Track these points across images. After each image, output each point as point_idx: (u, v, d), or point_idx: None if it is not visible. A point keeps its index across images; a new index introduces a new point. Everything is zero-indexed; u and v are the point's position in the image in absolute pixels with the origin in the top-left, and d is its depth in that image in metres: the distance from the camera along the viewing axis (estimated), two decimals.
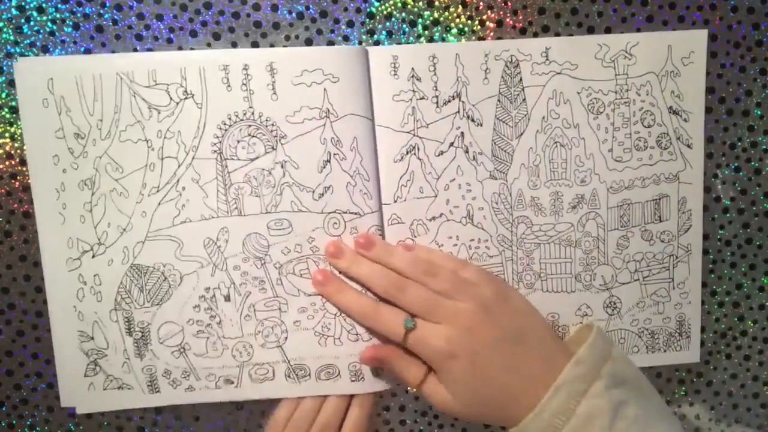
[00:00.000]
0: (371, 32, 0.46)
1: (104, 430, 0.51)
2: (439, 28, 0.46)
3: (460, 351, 0.41)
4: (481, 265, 0.48)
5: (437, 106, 0.46)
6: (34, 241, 0.47)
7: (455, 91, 0.46)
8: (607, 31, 0.47)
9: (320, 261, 0.46)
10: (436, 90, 0.46)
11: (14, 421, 0.51)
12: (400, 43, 0.46)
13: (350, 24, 0.46)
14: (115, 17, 0.45)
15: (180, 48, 0.45)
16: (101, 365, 0.47)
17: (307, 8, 0.46)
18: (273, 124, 0.45)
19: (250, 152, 0.45)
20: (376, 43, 0.46)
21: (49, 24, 0.44)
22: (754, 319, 0.53)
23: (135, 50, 0.46)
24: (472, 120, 0.46)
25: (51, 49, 0.45)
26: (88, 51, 0.45)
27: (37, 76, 0.43)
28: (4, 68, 0.45)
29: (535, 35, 0.46)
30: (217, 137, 0.44)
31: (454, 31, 0.46)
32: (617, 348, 0.42)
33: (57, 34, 0.45)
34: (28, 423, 0.51)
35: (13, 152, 0.46)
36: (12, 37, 0.45)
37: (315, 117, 0.44)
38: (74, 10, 0.45)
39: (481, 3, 0.46)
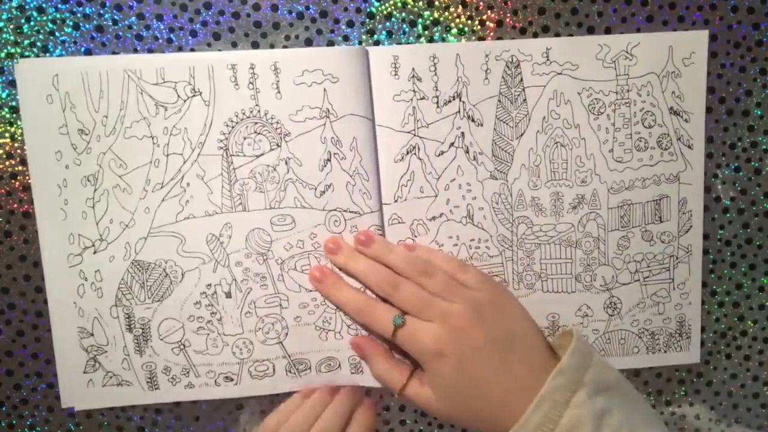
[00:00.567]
0: (371, 32, 0.46)
1: (104, 430, 0.50)
2: (439, 28, 0.46)
3: (448, 350, 0.41)
4: (482, 265, 0.49)
5: (438, 106, 0.46)
6: (34, 241, 0.47)
7: (456, 91, 0.46)
8: (607, 31, 0.47)
9: (321, 257, 0.47)
10: (437, 90, 0.46)
11: (14, 421, 0.50)
12: (400, 43, 0.46)
13: (350, 24, 0.46)
14: (115, 17, 0.45)
15: (180, 48, 0.45)
16: (101, 362, 0.47)
17: (307, 8, 0.46)
18: (278, 122, 0.45)
19: (255, 149, 0.45)
20: (376, 43, 0.46)
21: (49, 24, 0.45)
22: (754, 319, 0.53)
23: (135, 50, 0.46)
24: (473, 120, 0.46)
25: (51, 50, 0.45)
26: (88, 51, 0.45)
27: (41, 73, 0.44)
28: (5, 68, 0.45)
29: (535, 35, 0.46)
30: (224, 134, 0.45)
31: (454, 31, 0.46)
32: (597, 354, 0.42)
33: (57, 34, 0.45)
34: (28, 423, 0.50)
35: (13, 152, 0.46)
36: (12, 38, 0.45)
37: (315, 116, 0.45)
38: (74, 10, 0.45)
39: (481, 3, 0.46)
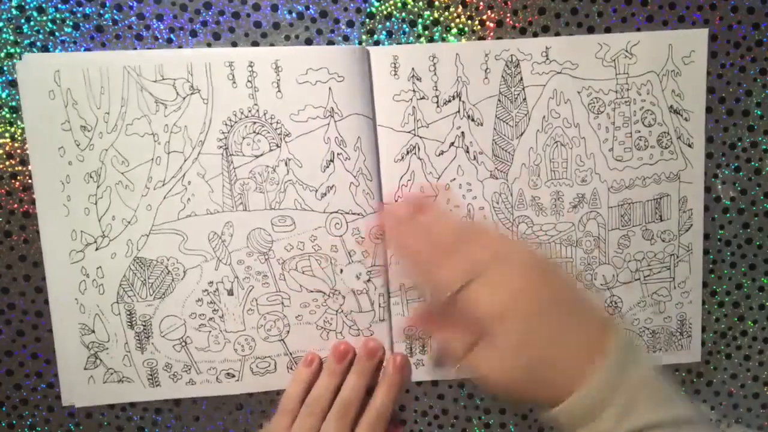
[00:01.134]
0: (371, 32, 0.47)
1: (104, 430, 0.50)
2: (439, 28, 0.47)
3: (512, 313, 0.40)
4: None
5: (437, 106, 0.47)
6: (35, 241, 0.47)
7: (455, 90, 0.47)
8: (607, 31, 0.47)
9: (322, 260, 0.47)
10: (437, 90, 0.46)
11: (14, 421, 0.51)
12: (400, 43, 0.46)
13: (350, 24, 0.46)
14: (115, 17, 0.46)
15: (180, 48, 0.45)
16: (102, 358, 0.47)
17: (307, 8, 0.46)
18: (278, 122, 0.45)
19: (255, 149, 0.46)
20: (376, 43, 0.47)
21: (49, 24, 0.45)
22: (754, 319, 0.53)
23: (135, 50, 0.46)
24: (473, 120, 0.47)
25: (51, 49, 0.46)
26: (88, 51, 0.45)
27: (43, 69, 0.44)
28: (5, 68, 0.45)
29: (535, 35, 0.47)
30: (223, 133, 0.45)
31: (454, 31, 0.47)
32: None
33: (57, 34, 0.46)
34: (28, 423, 0.51)
35: (13, 152, 0.47)
36: (12, 37, 0.45)
37: (319, 116, 0.45)
38: (74, 10, 0.46)
39: (481, 3, 0.47)
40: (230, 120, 0.45)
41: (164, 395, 0.48)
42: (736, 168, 0.51)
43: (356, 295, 0.47)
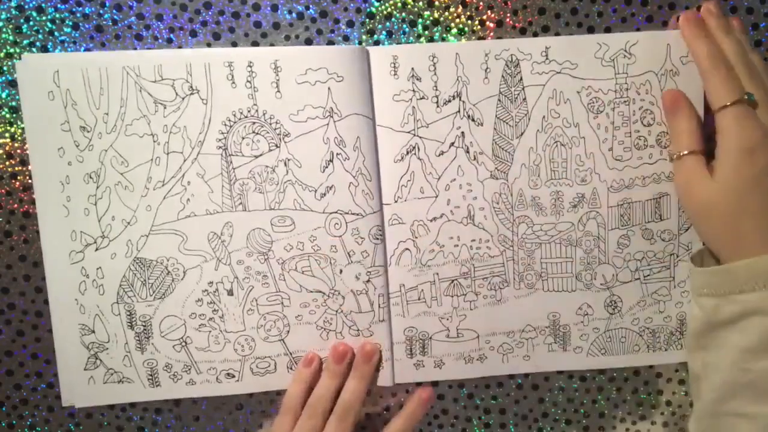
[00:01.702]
0: (371, 32, 0.47)
1: (104, 430, 0.50)
2: (439, 28, 0.47)
3: (762, 150, 0.40)
4: (483, 265, 0.49)
5: (437, 106, 0.47)
6: (35, 241, 0.47)
7: (455, 90, 0.47)
8: (607, 31, 0.47)
9: (321, 260, 0.47)
10: (437, 90, 0.47)
11: (14, 421, 0.51)
12: (400, 43, 0.46)
13: (350, 24, 0.47)
14: (115, 17, 0.46)
15: (180, 48, 0.46)
16: (102, 359, 0.48)
17: (307, 8, 0.46)
18: (277, 122, 0.46)
19: (254, 149, 0.46)
20: (376, 43, 0.47)
21: (48, 24, 0.46)
22: None
23: (134, 51, 0.47)
24: (473, 120, 0.47)
25: (51, 50, 0.46)
26: (88, 51, 0.46)
27: (42, 69, 0.44)
28: (5, 68, 0.45)
29: (535, 35, 0.47)
30: (222, 133, 0.46)
31: (454, 31, 0.47)
32: None
33: (56, 34, 0.46)
34: (28, 423, 0.51)
35: (13, 152, 0.47)
36: (12, 37, 0.46)
37: (318, 116, 0.46)
38: (74, 10, 0.46)
39: (481, 3, 0.47)
40: (229, 120, 0.45)
41: (164, 395, 0.48)
42: None
43: (356, 295, 0.48)
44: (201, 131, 0.45)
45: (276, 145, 0.46)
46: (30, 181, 0.47)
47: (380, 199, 0.47)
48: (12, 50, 0.46)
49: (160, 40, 0.46)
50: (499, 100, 0.47)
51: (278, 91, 0.45)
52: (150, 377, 0.48)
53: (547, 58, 0.46)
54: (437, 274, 0.49)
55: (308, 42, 0.47)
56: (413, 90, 0.46)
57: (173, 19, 0.46)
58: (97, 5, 0.45)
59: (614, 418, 0.53)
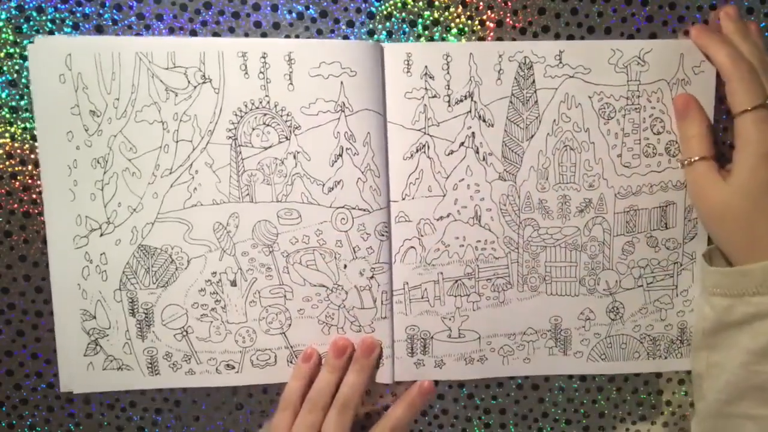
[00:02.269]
0: (371, 32, 0.47)
1: (104, 430, 0.50)
2: (439, 28, 0.47)
3: None
4: (487, 266, 0.49)
5: (449, 105, 0.47)
6: (35, 241, 0.47)
7: (468, 90, 0.47)
8: (607, 31, 0.47)
9: (326, 254, 0.47)
10: (449, 89, 0.47)
11: (14, 421, 0.51)
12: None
13: (350, 24, 0.47)
14: (115, 17, 0.46)
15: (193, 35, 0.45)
16: (102, 345, 0.47)
17: (307, 8, 0.46)
18: (288, 114, 0.45)
19: (264, 140, 0.46)
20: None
21: (48, 24, 0.45)
22: None
23: (148, 36, 0.46)
24: (484, 120, 0.47)
25: None
26: None
27: (54, 52, 0.44)
28: (5, 68, 0.45)
29: (535, 35, 0.47)
30: (233, 123, 0.45)
31: (454, 31, 0.47)
32: None
33: (56, 33, 0.46)
34: (28, 423, 0.51)
35: (13, 152, 0.47)
36: (12, 37, 0.45)
37: (330, 110, 0.45)
38: (74, 10, 0.46)
39: (481, 3, 0.47)
40: (240, 111, 0.45)
41: (163, 384, 0.48)
42: None
43: (359, 291, 0.48)
44: (211, 120, 0.45)
45: (286, 138, 0.45)
46: (30, 181, 0.46)
47: (388, 195, 0.47)
48: (12, 50, 0.45)
49: None
50: (511, 101, 0.47)
51: (291, 84, 0.45)
52: (150, 365, 0.47)
53: (560, 62, 0.46)
54: (441, 273, 0.48)
55: None
56: (425, 88, 0.46)
57: (173, 19, 0.46)
58: (97, 5, 0.45)
59: (614, 418, 0.54)
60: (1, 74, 0.46)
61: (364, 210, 0.46)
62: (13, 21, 0.45)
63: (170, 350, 0.47)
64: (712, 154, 0.44)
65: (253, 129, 0.45)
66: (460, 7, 0.47)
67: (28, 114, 0.46)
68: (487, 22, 0.47)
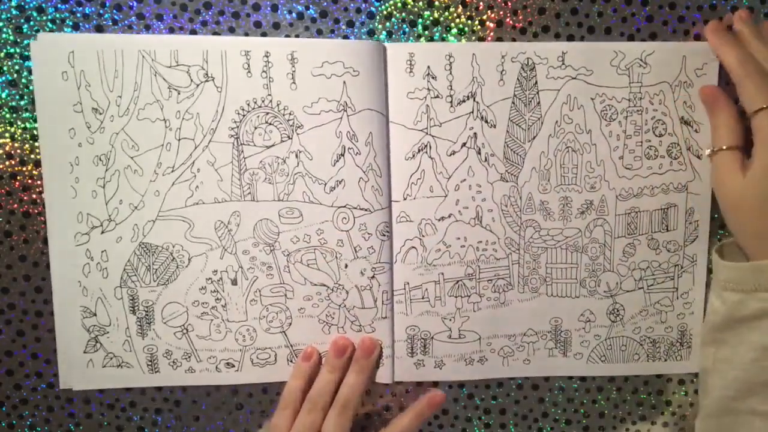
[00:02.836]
0: (371, 32, 0.46)
1: (104, 430, 0.49)
2: (439, 28, 0.46)
3: None
4: (488, 267, 0.49)
5: (451, 106, 0.47)
6: (35, 241, 0.47)
7: (470, 91, 0.47)
8: (607, 31, 0.47)
9: (327, 254, 0.47)
10: (451, 89, 0.46)
11: (14, 421, 0.50)
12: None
13: (350, 24, 0.46)
14: (115, 17, 0.45)
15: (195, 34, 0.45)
16: (102, 342, 0.47)
17: (307, 8, 0.46)
18: (290, 114, 0.45)
19: (266, 139, 0.46)
20: None
21: (48, 24, 0.45)
22: None
23: (151, 34, 0.46)
24: (486, 121, 0.47)
25: None
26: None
27: (57, 49, 0.44)
28: (4, 68, 0.44)
29: (535, 35, 0.47)
30: (235, 122, 0.45)
31: (454, 31, 0.47)
32: None
33: (57, 33, 0.45)
34: (28, 423, 0.51)
35: (13, 152, 0.46)
36: (12, 37, 0.45)
37: (332, 109, 0.45)
38: (74, 10, 0.45)
39: (481, 3, 0.46)
40: (243, 109, 0.45)
41: (163, 382, 0.48)
42: None
43: (360, 291, 0.47)
44: (214, 119, 0.45)
45: (288, 137, 0.45)
46: (30, 181, 0.46)
47: (389, 195, 0.47)
48: (12, 50, 0.45)
49: None
50: (513, 102, 0.46)
51: (293, 83, 0.44)
52: (149, 363, 0.47)
53: (563, 63, 0.46)
54: (442, 273, 0.48)
55: None
56: (428, 88, 0.46)
57: (173, 19, 0.45)
58: (98, 5, 0.45)
59: (614, 418, 0.53)
60: (1, 74, 0.45)
61: (366, 210, 0.46)
62: (13, 21, 0.45)
63: (170, 348, 0.47)
64: (740, 145, 0.44)
65: (256, 128, 0.45)
66: (460, 7, 0.47)
67: (28, 114, 0.45)
68: (487, 22, 0.47)
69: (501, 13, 0.47)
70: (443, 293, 0.48)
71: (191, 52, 0.44)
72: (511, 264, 0.48)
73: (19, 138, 0.46)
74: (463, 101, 0.46)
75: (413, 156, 0.46)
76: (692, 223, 0.48)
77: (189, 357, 0.47)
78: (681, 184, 0.48)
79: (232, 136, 0.45)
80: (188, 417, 0.50)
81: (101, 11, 0.45)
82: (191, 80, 0.44)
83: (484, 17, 0.47)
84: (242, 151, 0.45)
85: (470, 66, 0.46)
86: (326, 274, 0.47)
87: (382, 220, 0.46)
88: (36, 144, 0.45)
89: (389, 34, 0.47)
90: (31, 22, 0.45)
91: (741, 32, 0.44)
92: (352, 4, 0.46)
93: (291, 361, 0.48)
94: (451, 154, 0.47)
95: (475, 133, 0.47)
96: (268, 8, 0.46)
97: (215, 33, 0.46)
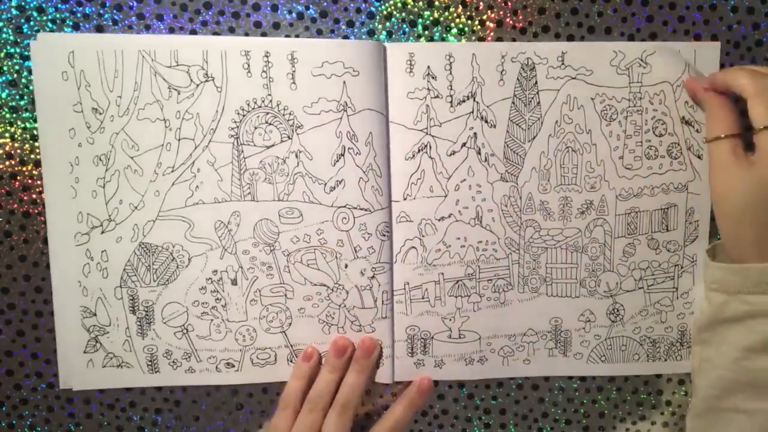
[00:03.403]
0: (371, 32, 0.46)
1: (104, 430, 0.49)
2: (439, 28, 0.46)
3: None
4: (488, 267, 0.48)
5: (451, 106, 0.46)
6: (35, 241, 0.46)
7: (470, 91, 0.46)
8: (608, 30, 0.47)
9: (327, 254, 0.46)
10: (451, 89, 0.46)
11: (14, 421, 0.50)
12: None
13: (350, 24, 0.46)
14: (115, 17, 0.45)
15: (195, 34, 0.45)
16: (102, 342, 0.47)
17: (307, 8, 0.45)
18: (290, 114, 0.45)
19: (266, 139, 0.45)
20: None
21: (49, 24, 0.45)
22: None
23: (150, 34, 0.46)
24: (486, 121, 0.46)
25: None
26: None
27: (57, 49, 0.43)
28: (5, 68, 0.44)
29: (535, 35, 0.46)
30: (235, 122, 0.45)
31: (454, 31, 0.46)
32: None
33: (57, 33, 0.45)
34: (28, 423, 0.50)
35: (13, 152, 0.46)
36: (12, 37, 0.44)
37: (332, 109, 0.45)
38: (74, 10, 0.45)
39: (481, 3, 0.46)
40: (243, 109, 0.44)
41: (163, 382, 0.47)
42: None
43: (360, 291, 0.47)
44: (214, 119, 0.44)
45: (288, 137, 0.44)
46: (30, 181, 0.46)
47: (389, 195, 0.46)
48: (12, 50, 0.44)
49: None
50: (513, 102, 0.46)
51: (293, 83, 0.44)
52: (149, 363, 0.47)
53: (562, 63, 0.45)
54: (442, 273, 0.47)
55: None
56: (428, 88, 0.45)
57: (173, 19, 0.45)
58: (98, 5, 0.45)
59: (614, 418, 0.53)
60: (1, 74, 0.45)
61: (366, 210, 0.45)
62: (13, 21, 0.44)
63: (170, 348, 0.46)
64: (737, 132, 0.42)
65: (255, 128, 0.44)
66: (460, 7, 0.46)
67: (28, 114, 0.45)
68: (487, 22, 0.46)
69: (501, 13, 0.46)
70: (443, 293, 0.48)
71: (191, 52, 0.43)
72: (511, 264, 0.48)
73: (19, 138, 0.45)
74: (463, 101, 0.46)
75: (413, 156, 0.46)
76: (692, 223, 0.48)
77: (189, 357, 0.46)
78: (681, 184, 0.47)
79: (232, 136, 0.44)
80: (188, 417, 0.50)
81: (101, 11, 0.45)
82: (191, 80, 0.43)
83: (484, 17, 0.46)
84: (242, 151, 0.44)
85: (470, 66, 0.45)
86: (326, 274, 0.46)
87: (382, 220, 0.46)
88: (36, 144, 0.44)
89: (389, 34, 0.46)
90: (31, 22, 0.44)
91: (755, 68, 0.43)
92: (352, 4, 0.46)
93: (291, 361, 0.47)
94: (451, 154, 0.46)
95: (475, 133, 0.46)
96: (268, 8, 0.45)
97: (215, 33, 0.45)
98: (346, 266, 0.46)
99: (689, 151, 0.47)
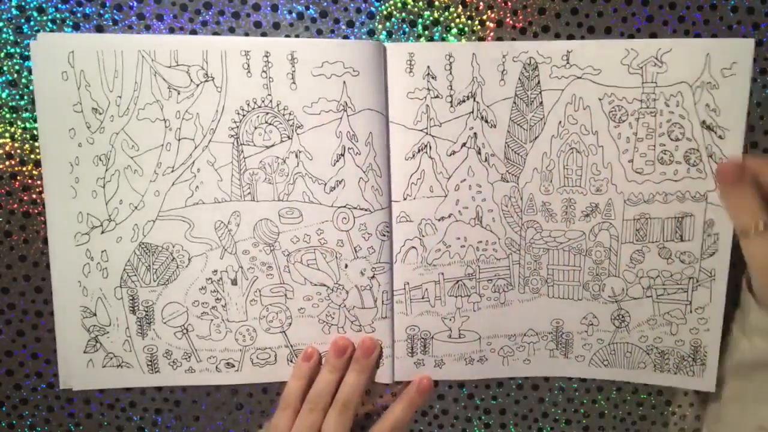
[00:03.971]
0: (371, 32, 0.45)
1: (104, 430, 0.49)
2: (439, 28, 0.44)
3: None
4: (488, 267, 0.47)
5: (451, 106, 0.45)
6: (35, 241, 0.46)
7: (470, 91, 0.44)
8: (607, 30, 0.45)
9: (327, 254, 0.45)
10: (451, 89, 0.44)
11: (14, 421, 0.51)
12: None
13: (350, 24, 0.45)
14: (115, 17, 0.44)
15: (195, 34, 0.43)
16: (102, 342, 0.47)
17: (307, 8, 0.44)
18: (290, 114, 0.44)
19: (266, 139, 0.44)
20: None
21: (49, 24, 0.45)
22: None
23: (150, 34, 0.45)
24: (486, 121, 0.45)
25: None
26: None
27: (57, 49, 0.43)
28: (5, 68, 0.44)
29: (535, 35, 0.45)
30: (235, 122, 0.44)
31: (454, 31, 0.45)
32: None
33: (57, 33, 0.44)
34: (28, 423, 0.51)
35: (13, 152, 0.46)
36: (12, 37, 0.44)
37: (332, 109, 0.43)
38: (74, 10, 0.45)
39: (481, 3, 0.45)
40: (243, 109, 0.43)
41: (163, 382, 0.47)
42: None
43: (360, 291, 0.46)
44: (214, 119, 0.43)
45: (288, 137, 0.43)
46: (30, 181, 0.46)
47: (389, 195, 0.45)
48: (12, 50, 0.44)
49: None
50: (515, 102, 0.44)
51: (293, 83, 0.43)
52: (149, 363, 0.46)
53: (567, 62, 0.43)
54: (442, 273, 0.46)
55: None
56: (428, 88, 0.44)
57: (173, 19, 0.44)
58: (98, 5, 0.44)
59: (614, 418, 0.52)
60: (1, 74, 0.45)
61: (366, 210, 0.44)
62: (13, 21, 0.44)
63: (170, 348, 0.46)
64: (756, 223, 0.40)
65: (255, 128, 0.43)
66: (460, 7, 0.45)
67: (28, 114, 0.45)
68: (487, 22, 0.45)
69: (501, 13, 0.45)
70: (443, 293, 0.46)
71: (191, 52, 0.42)
72: (511, 264, 0.46)
73: (19, 138, 0.45)
74: (463, 101, 0.44)
75: (413, 156, 0.44)
76: (711, 236, 0.44)
77: (189, 357, 0.46)
78: (699, 193, 0.44)
79: (232, 136, 0.43)
80: (188, 417, 0.50)
81: (101, 11, 0.44)
82: (191, 80, 0.43)
83: (484, 17, 0.45)
84: (242, 151, 0.44)
85: (470, 66, 0.43)
86: (326, 274, 0.45)
87: (382, 220, 0.45)
88: (36, 144, 0.44)
89: (389, 34, 0.45)
90: (31, 22, 0.44)
91: None
92: (352, 4, 0.44)
93: (291, 361, 0.47)
94: (451, 154, 0.45)
95: (475, 133, 0.44)
96: (268, 8, 0.44)
97: (215, 33, 0.44)
98: (346, 266, 0.45)
99: (710, 159, 0.43)
